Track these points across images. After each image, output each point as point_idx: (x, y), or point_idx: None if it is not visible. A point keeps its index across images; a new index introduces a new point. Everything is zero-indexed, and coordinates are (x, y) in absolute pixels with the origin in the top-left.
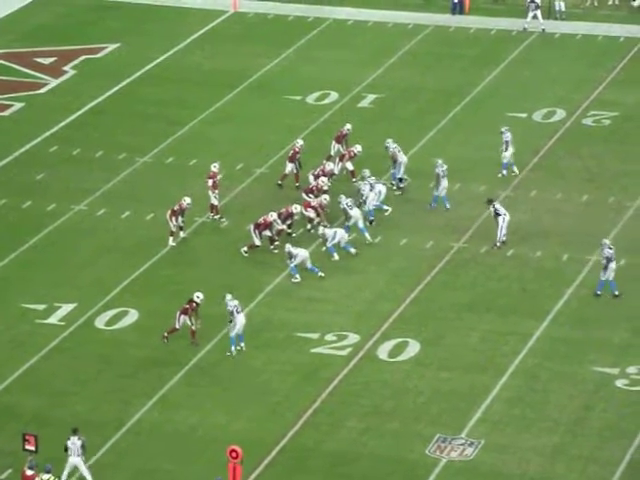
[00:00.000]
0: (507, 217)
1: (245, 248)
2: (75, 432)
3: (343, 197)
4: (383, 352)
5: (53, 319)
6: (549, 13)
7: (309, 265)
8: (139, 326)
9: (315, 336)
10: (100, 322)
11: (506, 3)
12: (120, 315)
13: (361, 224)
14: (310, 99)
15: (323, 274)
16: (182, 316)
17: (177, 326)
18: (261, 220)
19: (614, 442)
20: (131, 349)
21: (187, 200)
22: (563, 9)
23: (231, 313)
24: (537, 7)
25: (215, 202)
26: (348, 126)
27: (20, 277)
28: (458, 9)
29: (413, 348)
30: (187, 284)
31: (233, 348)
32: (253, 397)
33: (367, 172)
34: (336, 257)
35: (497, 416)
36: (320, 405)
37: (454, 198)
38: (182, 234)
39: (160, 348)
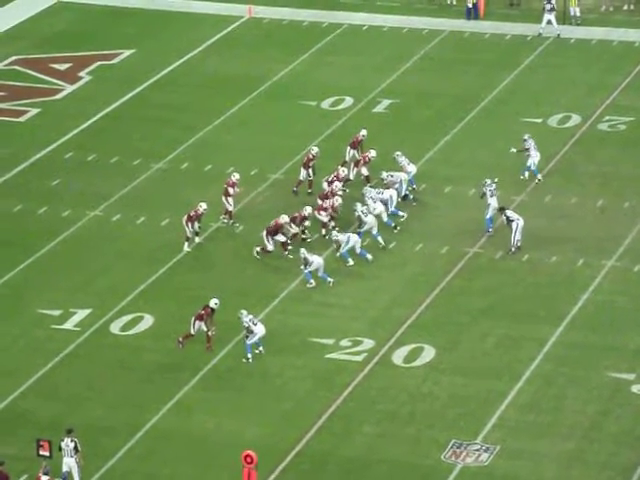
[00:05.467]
0: (521, 222)
1: (258, 249)
2: (69, 433)
3: (359, 204)
4: (398, 357)
5: (69, 325)
6: (564, 18)
7: (321, 272)
8: (154, 331)
9: (330, 342)
10: (115, 327)
11: (521, 8)
12: (135, 320)
13: (375, 231)
14: (325, 104)
15: (332, 281)
16: (197, 322)
17: (192, 332)
18: (272, 223)
19: (630, 448)
20: (146, 354)
21: (203, 206)
22: (578, 14)
23: (247, 328)
24: (552, 10)
25: (230, 208)
26: (363, 132)
27: (36, 283)
28: (473, 14)
29: (428, 353)
30: (202, 289)
31: (250, 355)
32: (268, 402)
33: (384, 174)
34: (351, 262)
35: (512, 422)
36: (335, 410)
37: (469, 203)
38: (197, 239)
39: (175, 353)
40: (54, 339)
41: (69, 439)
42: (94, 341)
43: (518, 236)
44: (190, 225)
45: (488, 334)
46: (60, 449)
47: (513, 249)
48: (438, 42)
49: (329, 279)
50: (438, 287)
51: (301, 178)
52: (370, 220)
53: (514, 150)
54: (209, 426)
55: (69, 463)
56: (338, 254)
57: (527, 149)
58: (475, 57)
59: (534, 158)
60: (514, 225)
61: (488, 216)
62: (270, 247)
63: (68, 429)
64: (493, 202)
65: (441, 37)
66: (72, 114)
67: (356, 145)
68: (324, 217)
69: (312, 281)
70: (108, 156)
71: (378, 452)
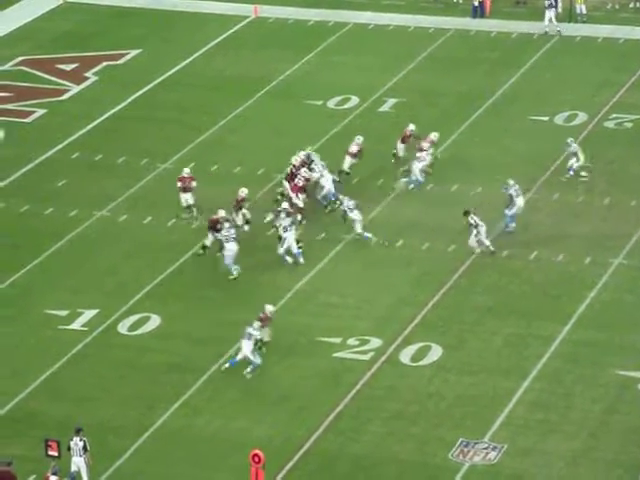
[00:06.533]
0: (484, 229)
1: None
2: (78, 432)
3: (346, 199)
4: (405, 356)
5: (76, 325)
6: (570, 16)
7: (295, 249)
8: (161, 332)
9: (337, 341)
10: (122, 328)
11: (527, 6)
12: (142, 321)
13: (360, 228)
14: (331, 104)
15: (302, 261)
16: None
17: (267, 339)
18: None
19: (638, 445)
20: (153, 354)
21: (245, 191)
22: (584, 12)
23: (250, 337)
24: (550, 7)
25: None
26: (412, 126)
27: (43, 283)
28: (479, 13)
29: (436, 352)
30: (209, 289)
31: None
32: (276, 402)
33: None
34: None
35: (520, 420)
36: (343, 410)
37: (475, 201)
38: (247, 228)
39: (182, 353)
40: (61, 339)
41: (78, 438)
42: (101, 341)
43: (487, 242)
44: (237, 212)
45: (495, 333)
46: (69, 448)
47: (478, 250)
48: (444, 41)
49: (300, 258)
50: (445, 286)
51: (346, 169)
52: (356, 216)
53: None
54: (217, 426)
55: (78, 462)
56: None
57: (574, 153)
58: (481, 55)
59: (575, 160)
60: (476, 230)
61: (510, 213)
62: (208, 242)
63: (77, 428)
64: (519, 201)
65: (447, 36)
66: (78, 114)
67: (406, 140)
68: (300, 201)
69: (287, 258)
70: (114, 156)
71: (386, 451)
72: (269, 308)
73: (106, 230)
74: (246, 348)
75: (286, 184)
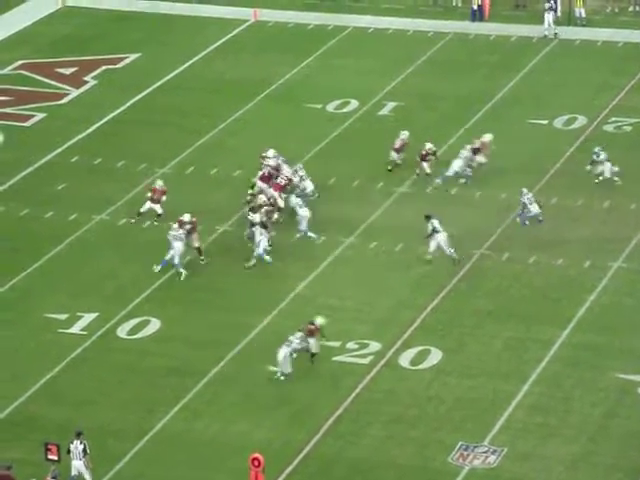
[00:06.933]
0: (444, 235)
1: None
2: (78, 436)
3: (293, 197)
4: (405, 360)
5: (75, 329)
6: (569, 19)
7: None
8: (161, 335)
9: (336, 344)
10: (122, 332)
11: (526, 10)
12: (142, 324)
13: (305, 225)
14: (330, 107)
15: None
16: (309, 338)
17: (316, 350)
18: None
19: (637, 449)
20: (153, 358)
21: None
22: (583, 15)
23: (289, 345)
24: (550, 9)
25: (160, 211)
26: (489, 136)
27: (42, 287)
28: (478, 16)
29: (435, 356)
30: (208, 293)
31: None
32: (275, 405)
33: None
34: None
35: (520, 424)
36: (342, 413)
37: (475, 205)
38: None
39: (182, 357)
40: (61, 343)
41: (78, 442)
42: (101, 345)
43: (450, 249)
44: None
45: (495, 336)
46: (69, 452)
47: (432, 255)
48: (443, 44)
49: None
50: (445, 289)
51: (395, 158)
52: (304, 213)
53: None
54: (216, 429)
55: (78, 466)
56: (256, 253)
57: (602, 161)
58: (480, 59)
59: (605, 167)
60: (437, 237)
61: (528, 216)
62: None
63: (77, 432)
64: (534, 209)
65: (446, 39)
66: (77, 118)
67: (481, 150)
68: (282, 201)
69: (267, 257)
70: (114, 160)
71: (385, 455)
72: (319, 320)
73: (105, 234)
74: (281, 354)
75: (261, 184)
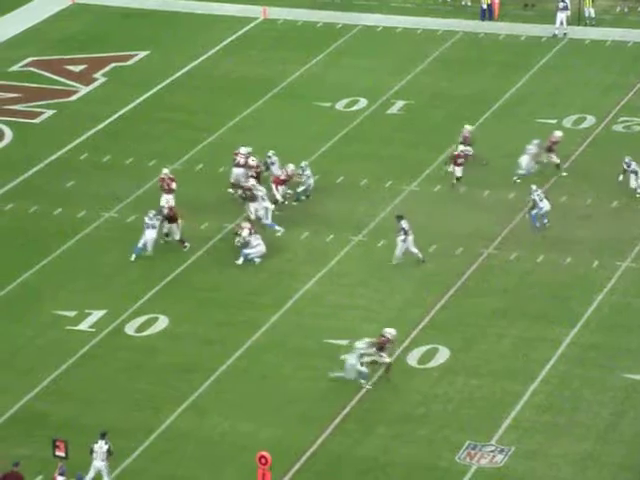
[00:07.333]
0: (411, 237)
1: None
2: (103, 436)
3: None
4: (413, 359)
5: (84, 326)
6: (579, 19)
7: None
8: (169, 332)
9: (344, 342)
10: (130, 329)
11: (535, 9)
12: (150, 322)
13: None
14: (339, 106)
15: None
16: (380, 352)
17: (388, 360)
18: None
19: None
20: (161, 356)
21: (291, 167)
22: (593, 15)
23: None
24: (565, 9)
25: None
26: (559, 133)
27: (51, 284)
28: (487, 15)
29: (443, 355)
30: (217, 290)
31: None
32: (283, 403)
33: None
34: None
35: (527, 423)
36: (350, 412)
37: (483, 204)
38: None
39: (190, 355)
40: (69, 340)
41: (103, 442)
42: (109, 342)
43: (416, 250)
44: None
45: (503, 335)
46: (91, 452)
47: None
48: (452, 43)
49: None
50: (453, 288)
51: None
52: (266, 204)
53: (621, 177)
54: (224, 427)
55: (99, 466)
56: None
57: (634, 172)
58: (490, 58)
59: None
60: (407, 239)
61: (534, 212)
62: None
63: (102, 432)
64: (545, 205)
65: (455, 38)
66: (87, 115)
67: (552, 147)
68: (279, 195)
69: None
70: (123, 157)
71: (392, 453)
72: (391, 332)
73: (114, 231)
74: (349, 360)
75: (252, 181)
